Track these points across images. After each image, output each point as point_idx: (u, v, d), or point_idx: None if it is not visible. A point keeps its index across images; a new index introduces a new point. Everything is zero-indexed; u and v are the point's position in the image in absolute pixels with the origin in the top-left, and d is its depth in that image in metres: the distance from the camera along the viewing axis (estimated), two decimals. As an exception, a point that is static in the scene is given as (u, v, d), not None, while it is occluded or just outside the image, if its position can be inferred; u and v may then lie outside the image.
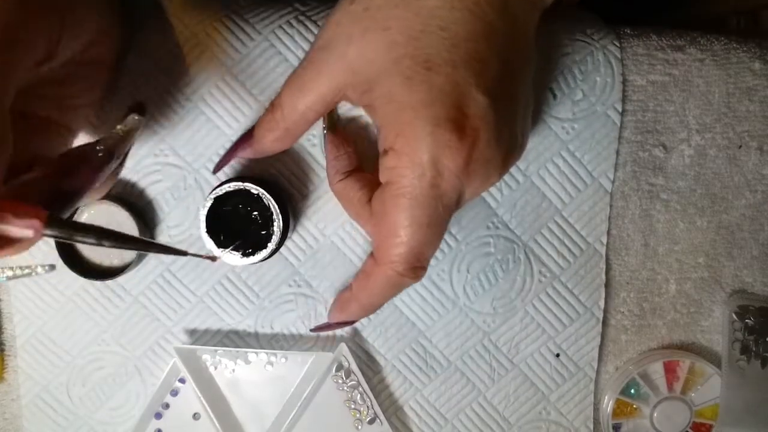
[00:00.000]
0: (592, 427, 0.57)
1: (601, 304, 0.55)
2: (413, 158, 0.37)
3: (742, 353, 0.57)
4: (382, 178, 0.40)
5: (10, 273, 0.30)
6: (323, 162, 0.52)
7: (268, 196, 0.47)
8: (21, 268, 0.30)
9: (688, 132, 0.53)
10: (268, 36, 0.49)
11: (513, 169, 0.52)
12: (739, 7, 0.71)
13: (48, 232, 0.29)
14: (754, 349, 0.57)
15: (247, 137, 0.45)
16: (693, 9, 0.68)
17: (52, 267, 0.30)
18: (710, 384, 0.57)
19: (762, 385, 0.57)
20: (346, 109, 0.50)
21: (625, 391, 0.56)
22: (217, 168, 0.49)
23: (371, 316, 0.54)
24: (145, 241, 0.35)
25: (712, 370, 0.57)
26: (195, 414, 0.55)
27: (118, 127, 0.40)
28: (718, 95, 0.53)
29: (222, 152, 0.51)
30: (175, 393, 0.54)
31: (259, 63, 0.49)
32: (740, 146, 0.54)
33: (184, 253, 0.35)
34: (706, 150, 0.54)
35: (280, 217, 0.47)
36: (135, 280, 0.53)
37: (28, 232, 0.28)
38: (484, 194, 0.52)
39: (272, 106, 0.42)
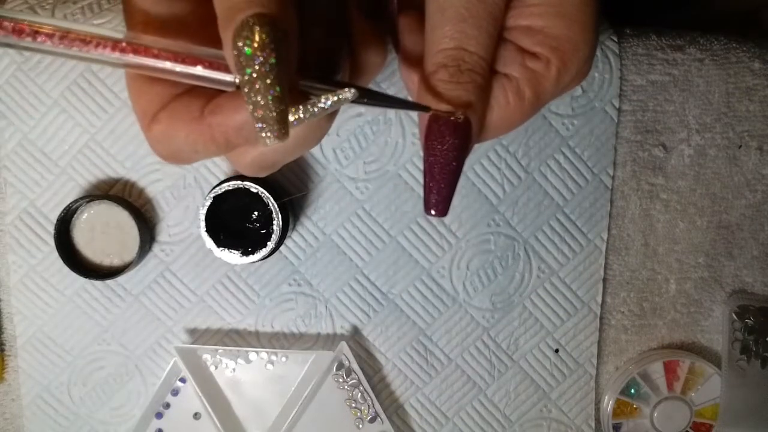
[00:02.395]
0: (593, 425, 0.57)
1: (599, 299, 0.55)
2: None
3: (742, 353, 0.57)
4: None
5: (323, 104, 0.28)
6: (323, 161, 0.52)
7: (267, 194, 0.47)
8: (329, 95, 0.28)
9: (688, 132, 0.53)
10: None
11: (515, 166, 0.52)
12: (739, 7, 0.71)
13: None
14: (754, 349, 0.57)
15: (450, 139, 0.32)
16: (693, 9, 0.69)
17: (357, 94, 0.28)
18: (710, 384, 0.57)
19: (762, 385, 0.57)
20: None
21: (625, 391, 0.56)
22: (442, 207, 0.33)
23: (371, 314, 0.54)
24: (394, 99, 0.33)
25: (712, 370, 0.57)
26: (196, 413, 0.55)
27: None
28: (717, 95, 0.53)
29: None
30: (175, 392, 0.54)
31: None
32: (740, 146, 0.54)
33: (426, 109, 0.32)
34: (706, 150, 0.54)
35: (280, 215, 0.47)
36: (135, 280, 0.53)
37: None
38: (486, 192, 0.53)
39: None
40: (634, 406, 0.57)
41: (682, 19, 0.66)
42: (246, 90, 0.27)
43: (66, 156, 0.51)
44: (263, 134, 0.27)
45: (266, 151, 0.31)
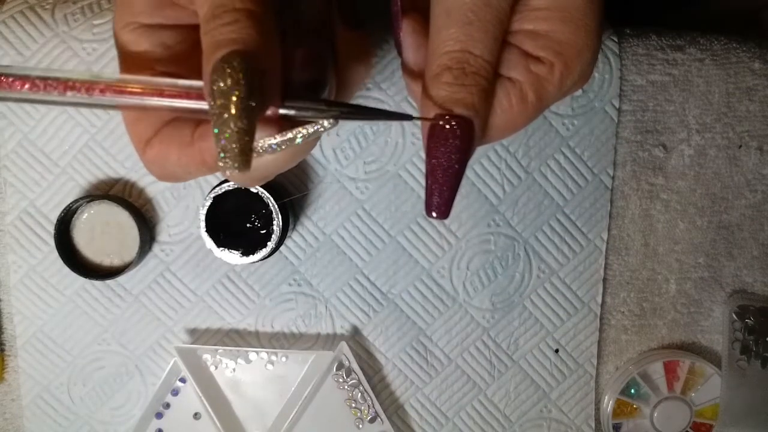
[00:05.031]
0: (593, 425, 0.57)
1: (599, 299, 0.55)
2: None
3: (742, 353, 0.57)
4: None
5: (303, 133, 0.30)
6: (323, 161, 0.52)
7: (267, 194, 0.47)
8: (307, 126, 0.30)
9: (688, 132, 0.53)
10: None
11: (515, 166, 0.52)
12: (739, 7, 0.71)
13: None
14: (754, 349, 0.57)
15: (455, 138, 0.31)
16: (693, 9, 0.68)
17: (336, 122, 0.30)
18: (710, 384, 0.57)
19: (762, 385, 0.57)
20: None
21: (625, 391, 0.56)
22: (444, 210, 0.33)
23: (371, 314, 0.54)
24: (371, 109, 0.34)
25: (712, 370, 0.57)
26: (196, 413, 0.55)
27: None
28: (718, 95, 0.53)
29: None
30: (175, 392, 0.54)
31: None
32: (740, 146, 0.54)
33: (408, 117, 0.33)
34: (706, 150, 0.54)
35: (280, 215, 0.47)
36: (135, 280, 0.53)
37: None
38: (486, 192, 0.53)
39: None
40: (634, 406, 0.57)
41: (682, 19, 0.66)
42: (213, 121, 0.27)
43: (66, 156, 0.51)
44: (222, 164, 0.28)
45: (256, 165, 0.32)
